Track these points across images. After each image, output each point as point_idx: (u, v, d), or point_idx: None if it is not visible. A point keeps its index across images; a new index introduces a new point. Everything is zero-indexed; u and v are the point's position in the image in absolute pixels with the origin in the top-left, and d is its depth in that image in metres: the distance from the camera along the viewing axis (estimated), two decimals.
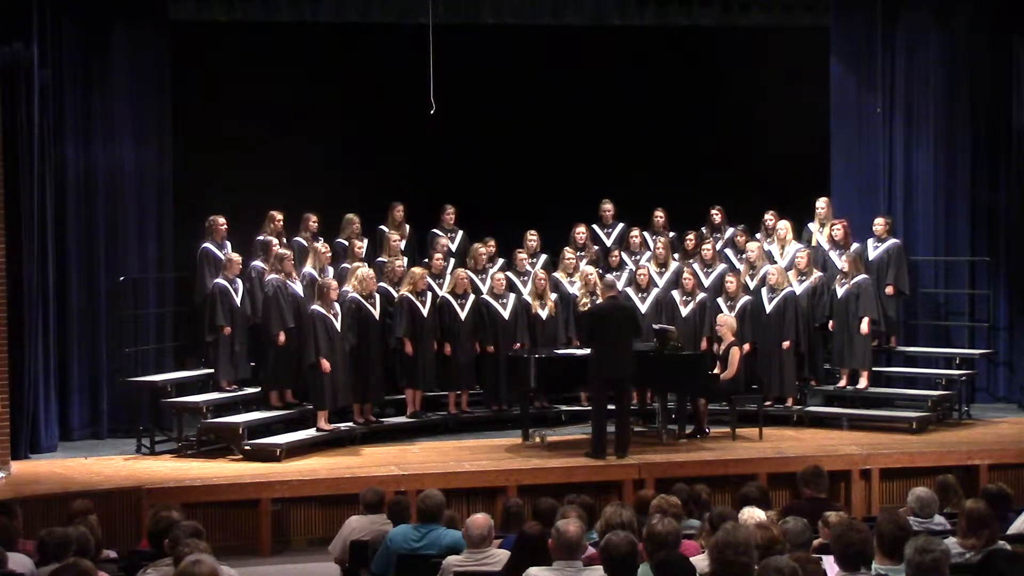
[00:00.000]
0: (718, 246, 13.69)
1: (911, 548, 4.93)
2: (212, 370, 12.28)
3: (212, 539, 6.74)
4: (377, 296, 12.36)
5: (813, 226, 13.66)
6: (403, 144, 14.38)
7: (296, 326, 11.91)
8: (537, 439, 12.00)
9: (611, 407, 11.32)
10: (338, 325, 11.77)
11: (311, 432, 11.85)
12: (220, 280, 12.09)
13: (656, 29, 14.56)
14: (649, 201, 14.18)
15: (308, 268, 12.49)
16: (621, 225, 14.15)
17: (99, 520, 7.56)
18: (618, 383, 11.27)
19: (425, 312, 12.62)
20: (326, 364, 11.62)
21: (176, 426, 11.93)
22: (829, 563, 5.69)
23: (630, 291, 13.11)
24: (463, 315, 12.82)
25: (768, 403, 12.78)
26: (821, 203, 13.58)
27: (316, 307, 11.69)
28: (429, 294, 12.73)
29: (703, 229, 14.03)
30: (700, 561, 5.73)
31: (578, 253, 13.63)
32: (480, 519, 6.88)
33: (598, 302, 12.19)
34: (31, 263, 11.76)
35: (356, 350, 12.03)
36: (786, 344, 12.72)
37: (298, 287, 12.18)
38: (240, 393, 12.27)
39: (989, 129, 14.17)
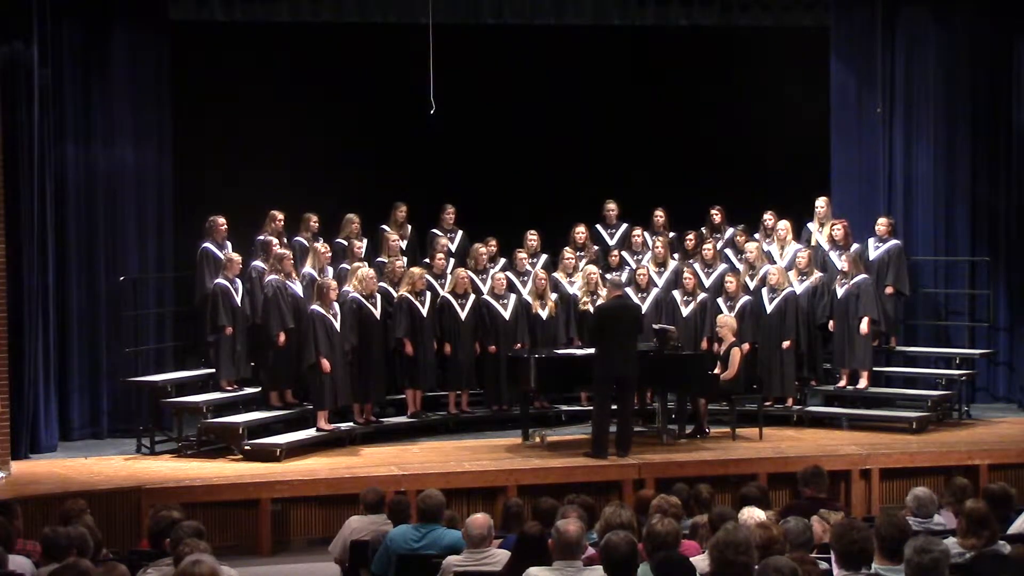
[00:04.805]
0: (718, 246, 13.69)
1: (910, 548, 4.93)
2: (212, 370, 12.29)
3: (212, 539, 6.74)
4: (378, 296, 12.36)
5: (812, 226, 13.66)
6: (403, 144, 14.39)
7: (296, 326, 11.91)
8: (537, 439, 12.00)
9: (613, 407, 11.33)
10: (337, 325, 11.77)
11: (311, 432, 11.85)
12: (221, 280, 12.09)
13: (656, 29, 14.55)
14: (649, 201, 14.18)
15: (308, 268, 12.50)
16: (625, 225, 14.15)
17: (97, 520, 7.56)
18: (623, 382, 11.28)
19: (424, 312, 12.62)
20: (326, 364, 11.61)
21: (176, 426, 11.93)
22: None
23: (630, 291, 13.12)
24: (463, 315, 12.82)
25: (768, 403, 12.78)
26: (820, 203, 13.58)
27: (316, 307, 11.69)
28: (428, 294, 12.73)
29: (703, 229, 14.03)
30: (700, 561, 5.73)
31: (578, 253, 13.64)
32: (480, 519, 6.88)
33: (601, 302, 12.18)
34: (31, 263, 11.75)
35: (356, 350, 12.03)
36: (787, 344, 12.72)
37: (298, 287, 12.17)
38: (240, 393, 12.27)
39: (989, 129, 14.16)
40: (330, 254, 12.78)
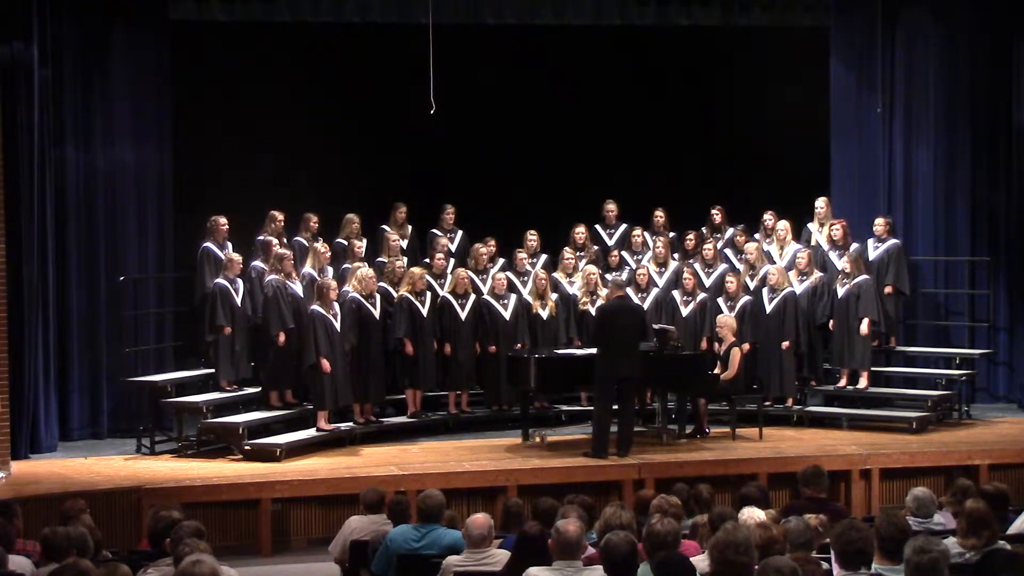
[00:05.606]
0: (718, 246, 13.69)
1: (909, 548, 4.94)
2: (212, 370, 12.29)
3: (212, 539, 6.74)
4: (378, 296, 12.36)
5: (812, 226, 13.67)
6: (403, 144, 14.39)
7: (296, 326, 11.90)
8: (537, 439, 12.00)
9: (614, 407, 11.33)
10: (337, 325, 11.77)
11: (311, 432, 11.85)
12: (221, 280, 12.09)
13: (656, 29, 14.55)
14: (649, 201, 14.18)
15: (308, 268, 12.50)
16: (624, 226, 14.15)
17: (97, 520, 7.55)
18: (624, 382, 11.28)
19: (424, 312, 12.62)
20: (326, 364, 11.61)
21: (176, 426, 11.94)
22: None
23: (630, 291, 13.11)
24: (463, 315, 12.82)
25: (768, 403, 12.79)
26: (820, 203, 13.59)
27: (315, 307, 11.69)
28: (428, 294, 12.73)
29: (703, 229, 14.03)
30: (700, 561, 5.73)
31: (577, 253, 13.64)
32: (480, 519, 6.88)
33: (603, 302, 12.18)
34: (31, 263, 11.75)
35: (356, 350, 12.04)
36: (786, 344, 12.72)
37: (298, 287, 12.17)
38: (240, 393, 12.27)
39: (989, 129, 14.16)
40: (330, 254, 12.78)
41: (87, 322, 12.61)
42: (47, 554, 6.45)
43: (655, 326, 12.42)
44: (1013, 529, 7.14)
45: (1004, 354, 14.06)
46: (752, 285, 13.10)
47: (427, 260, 13.31)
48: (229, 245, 12.58)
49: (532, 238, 13.78)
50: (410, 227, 13.70)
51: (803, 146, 14.66)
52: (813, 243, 13.53)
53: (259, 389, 12.34)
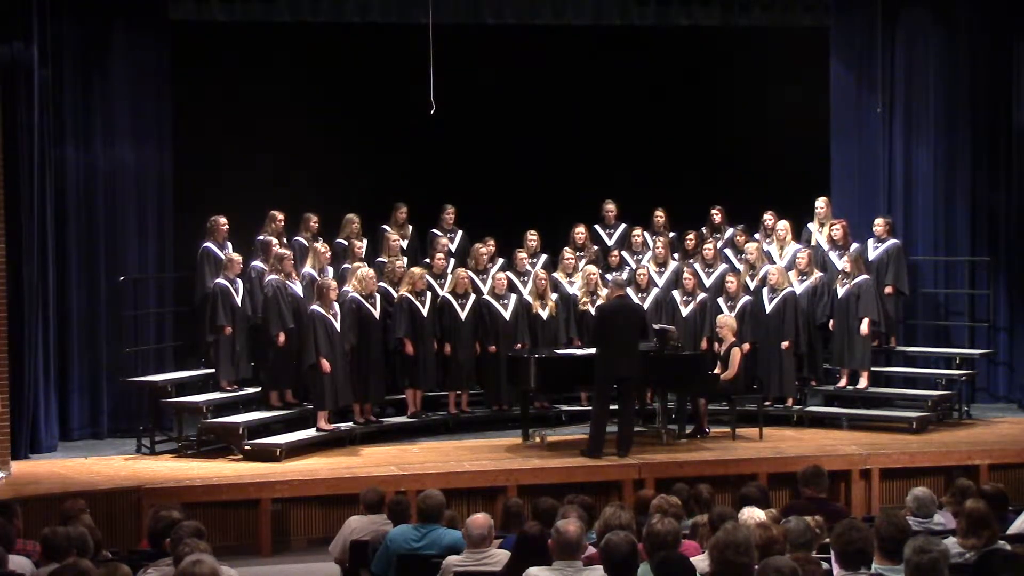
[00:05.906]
0: (718, 246, 13.69)
1: (909, 548, 4.94)
2: (212, 370, 12.29)
3: (212, 539, 6.74)
4: (377, 296, 12.37)
5: (812, 226, 13.67)
6: (403, 144, 14.39)
7: (296, 326, 11.91)
8: (537, 439, 12.00)
9: (613, 407, 11.33)
10: (337, 325, 11.77)
11: (311, 432, 11.85)
12: (221, 280, 12.09)
13: (656, 29, 14.55)
14: (649, 201, 14.18)
15: (308, 268, 12.50)
16: (623, 226, 14.15)
17: (98, 520, 7.54)
18: (624, 382, 11.28)
19: (424, 312, 12.62)
20: (326, 364, 11.61)
21: (176, 426, 11.94)
22: None
23: (630, 291, 13.11)
24: (463, 315, 12.82)
25: (768, 403, 12.79)
26: (820, 203, 13.59)
27: (315, 307, 11.69)
28: (428, 294, 12.73)
29: (703, 229, 14.03)
30: (700, 561, 5.73)
31: (577, 253, 13.64)
32: (480, 519, 6.88)
33: (603, 302, 12.18)
34: (31, 263, 11.75)
35: (356, 350, 12.04)
36: (785, 344, 12.73)
37: (298, 287, 12.17)
38: (240, 393, 12.27)
39: (989, 129, 14.16)
40: (330, 254, 12.79)
41: (87, 322, 12.62)
42: (47, 554, 6.45)
43: (655, 326, 12.42)
44: (1013, 529, 7.14)
45: (1004, 354, 14.07)
46: (752, 285, 13.10)
47: (427, 260, 13.32)
48: (229, 245, 12.58)
49: (532, 238, 13.78)
50: (410, 227, 13.71)
51: (803, 146, 14.67)
52: (813, 243, 13.53)
53: (259, 389, 12.34)
